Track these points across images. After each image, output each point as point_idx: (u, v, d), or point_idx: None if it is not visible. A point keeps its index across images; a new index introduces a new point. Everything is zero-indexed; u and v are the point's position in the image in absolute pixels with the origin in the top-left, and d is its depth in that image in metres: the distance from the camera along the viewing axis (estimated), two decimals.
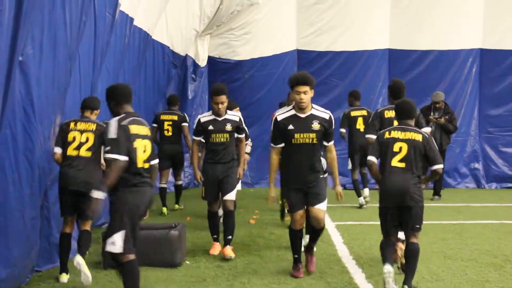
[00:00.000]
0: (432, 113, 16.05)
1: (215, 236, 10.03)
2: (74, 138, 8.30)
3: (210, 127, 9.67)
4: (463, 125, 18.62)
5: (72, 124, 8.39)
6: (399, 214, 7.66)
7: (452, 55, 19.04)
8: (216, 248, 9.89)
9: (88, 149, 8.25)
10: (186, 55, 17.91)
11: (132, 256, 6.77)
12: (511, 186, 19.08)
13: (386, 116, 9.66)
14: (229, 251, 9.58)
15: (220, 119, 9.70)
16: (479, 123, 19.26)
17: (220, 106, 9.56)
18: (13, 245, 7.32)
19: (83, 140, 8.29)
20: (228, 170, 9.78)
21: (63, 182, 8.16)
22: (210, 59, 19.14)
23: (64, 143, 8.28)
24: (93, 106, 8.76)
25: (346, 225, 12.28)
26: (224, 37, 19.01)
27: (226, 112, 9.75)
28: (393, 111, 8.75)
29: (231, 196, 9.75)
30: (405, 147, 7.70)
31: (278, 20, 19.04)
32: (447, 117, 15.98)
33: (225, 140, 9.73)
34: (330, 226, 12.01)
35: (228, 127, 9.69)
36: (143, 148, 6.86)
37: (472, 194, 17.78)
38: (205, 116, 9.84)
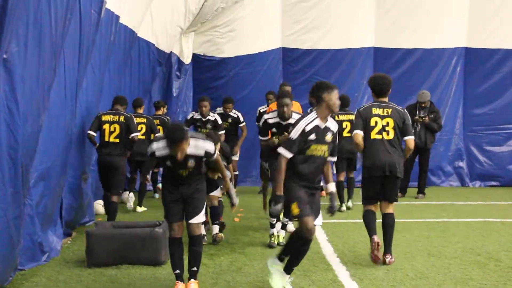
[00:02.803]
0: (417, 112, 16.13)
1: (178, 272, 7.75)
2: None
3: None
4: (447, 124, 18.70)
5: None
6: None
7: (436, 53, 19.12)
8: None
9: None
10: (171, 52, 17.89)
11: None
12: (495, 185, 19.20)
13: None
14: (193, 286, 7.71)
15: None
16: (464, 121, 19.36)
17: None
18: None
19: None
20: (194, 187, 7.79)
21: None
22: (195, 57, 19.12)
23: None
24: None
25: (330, 223, 12.27)
26: (208, 34, 19.00)
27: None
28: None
29: (198, 219, 7.79)
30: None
31: (263, 17, 19.05)
32: (431, 116, 16.06)
33: None
34: None
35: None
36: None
37: (456, 192, 17.86)
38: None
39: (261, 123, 10.28)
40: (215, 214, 10.55)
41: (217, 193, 10.44)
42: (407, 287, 7.84)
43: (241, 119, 15.46)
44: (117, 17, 12.14)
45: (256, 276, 8.36)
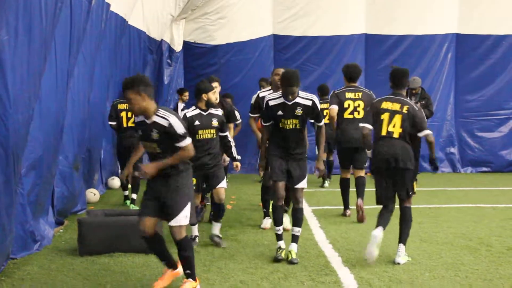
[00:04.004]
0: (408, 98, 16.10)
1: (165, 262, 7.43)
2: None
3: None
4: (439, 110, 18.73)
5: None
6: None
7: (428, 40, 19.15)
8: (165, 279, 7.30)
9: None
10: (162, 40, 17.84)
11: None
12: (486, 170, 19.29)
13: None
14: (187, 285, 7.08)
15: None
16: (455, 108, 19.40)
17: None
18: None
19: None
20: (173, 185, 6.98)
21: None
22: (186, 44, 19.09)
23: None
24: None
25: (322, 209, 12.34)
26: (199, 21, 18.95)
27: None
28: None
29: (177, 220, 6.95)
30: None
31: (253, 4, 19.01)
32: (423, 102, 16.05)
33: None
34: (307, 210, 12.06)
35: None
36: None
37: (448, 178, 17.93)
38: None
39: (263, 107, 8.94)
40: (219, 212, 9.62)
41: (223, 185, 9.53)
42: (399, 273, 7.87)
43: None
44: (108, 5, 12.09)
45: (249, 263, 8.37)
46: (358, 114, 11.30)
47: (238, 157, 9.87)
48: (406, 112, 8.50)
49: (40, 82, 8.33)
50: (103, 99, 13.12)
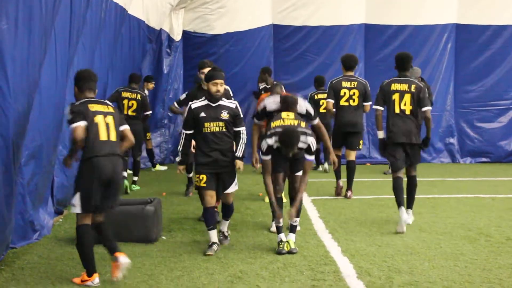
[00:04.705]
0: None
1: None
2: None
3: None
4: (438, 100, 18.69)
5: None
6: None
7: (427, 30, 19.07)
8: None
9: None
10: (161, 29, 17.79)
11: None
12: (485, 161, 19.27)
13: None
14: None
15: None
16: (455, 98, 19.34)
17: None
18: None
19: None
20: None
21: None
22: (185, 34, 19.02)
23: None
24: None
25: (322, 199, 12.34)
26: (198, 11, 18.87)
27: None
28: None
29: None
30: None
31: None
32: None
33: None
34: (306, 200, 12.06)
35: None
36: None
37: (447, 168, 17.91)
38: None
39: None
40: (228, 211, 9.15)
41: (232, 189, 8.87)
42: (398, 263, 7.88)
43: None
44: None
45: (249, 253, 8.39)
46: (353, 101, 12.42)
47: (239, 155, 8.67)
48: (414, 90, 9.70)
49: (40, 72, 8.32)
50: (102, 88, 13.08)
